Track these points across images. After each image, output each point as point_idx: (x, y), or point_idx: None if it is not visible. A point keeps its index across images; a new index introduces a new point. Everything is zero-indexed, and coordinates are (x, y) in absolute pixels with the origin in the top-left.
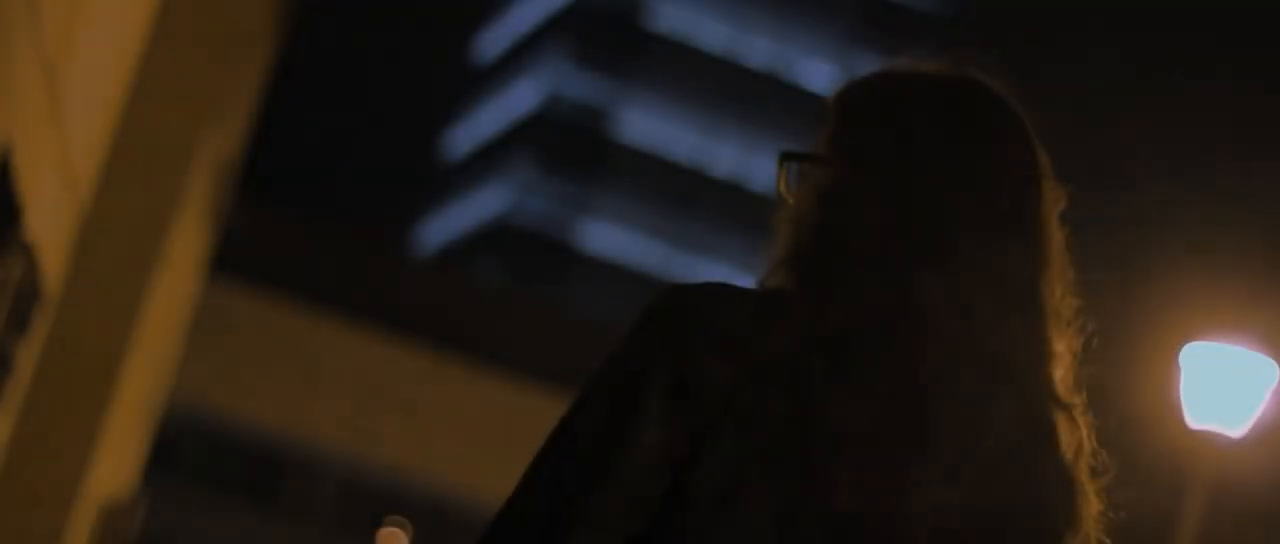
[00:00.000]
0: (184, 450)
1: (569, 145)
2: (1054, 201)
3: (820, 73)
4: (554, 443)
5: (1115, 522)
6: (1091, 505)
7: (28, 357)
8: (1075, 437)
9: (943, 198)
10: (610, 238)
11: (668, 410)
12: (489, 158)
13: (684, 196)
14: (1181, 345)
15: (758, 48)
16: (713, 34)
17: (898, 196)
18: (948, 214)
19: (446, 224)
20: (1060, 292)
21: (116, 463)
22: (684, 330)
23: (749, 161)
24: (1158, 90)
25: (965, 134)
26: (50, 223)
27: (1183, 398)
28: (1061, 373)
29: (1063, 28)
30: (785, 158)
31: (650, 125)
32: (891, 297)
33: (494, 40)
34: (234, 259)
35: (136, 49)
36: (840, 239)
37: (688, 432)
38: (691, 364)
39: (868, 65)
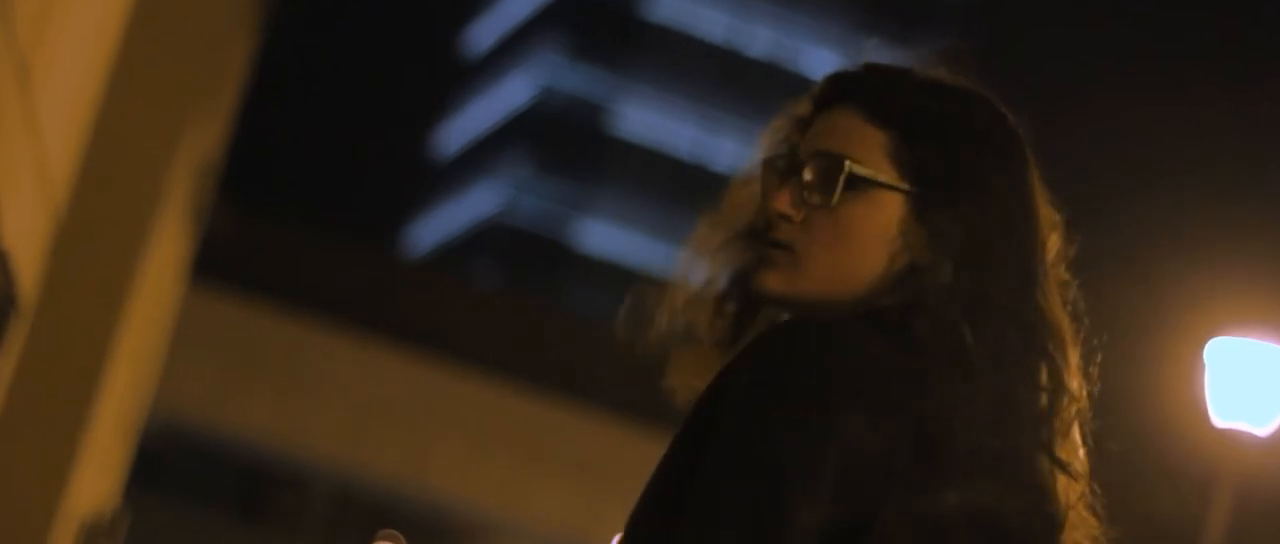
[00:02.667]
0: (168, 464)
1: (564, 141)
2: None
3: (825, 62)
4: (705, 520)
5: (1141, 525)
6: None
7: (3, 369)
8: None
9: (1043, 257)
10: (609, 237)
11: (841, 482)
12: (481, 155)
13: (685, 193)
14: (1206, 341)
15: (759, 36)
16: (712, 22)
17: (1023, 260)
18: (1044, 274)
19: (438, 225)
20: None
21: (97, 478)
22: (850, 391)
23: (752, 156)
24: (1177, 75)
25: (1033, 178)
26: (25, 229)
27: (1208, 395)
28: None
29: (1074, 14)
30: (855, 172)
31: (649, 119)
32: (1043, 375)
33: (484, 32)
34: (218, 264)
35: (113, 46)
36: (998, 302)
37: (859, 505)
38: (864, 433)
39: (874, 53)
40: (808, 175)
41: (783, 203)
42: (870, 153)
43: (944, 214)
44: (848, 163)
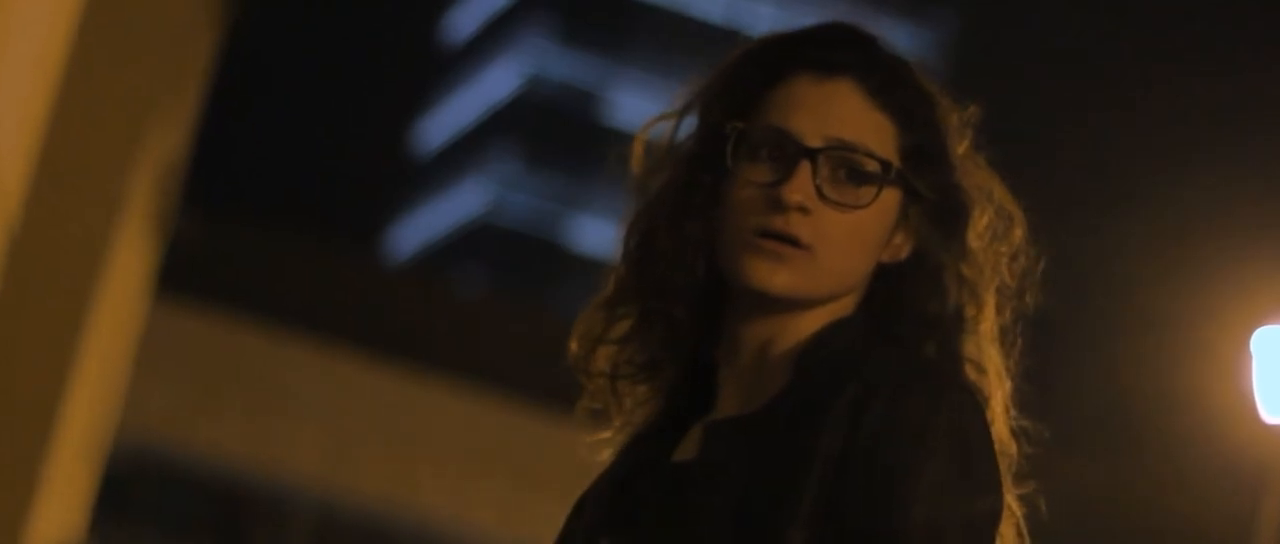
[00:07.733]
0: (135, 491)
1: (554, 133)
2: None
3: None
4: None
5: (1189, 525)
6: None
7: None
8: None
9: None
10: (605, 235)
11: None
12: (465, 151)
13: None
14: (1252, 331)
15: (762, 15)
16: (710, 2)
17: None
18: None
19: (421, 227)
20: None
21: (61, 507)
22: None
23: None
24: (1213, 52)
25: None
26: None
27: (1256, 388)
28: None
29: None
30: (898, 178)
31: (644, 107)
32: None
33: (465, 18)
34: (184, 274)
35: (68, 40)
36: (959, 309)
37: None
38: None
39: (881, 31)
40: (827, 168)
41: (801, 193)
42: (887, 148)
43: (917, 209)
44: (894, 169)
